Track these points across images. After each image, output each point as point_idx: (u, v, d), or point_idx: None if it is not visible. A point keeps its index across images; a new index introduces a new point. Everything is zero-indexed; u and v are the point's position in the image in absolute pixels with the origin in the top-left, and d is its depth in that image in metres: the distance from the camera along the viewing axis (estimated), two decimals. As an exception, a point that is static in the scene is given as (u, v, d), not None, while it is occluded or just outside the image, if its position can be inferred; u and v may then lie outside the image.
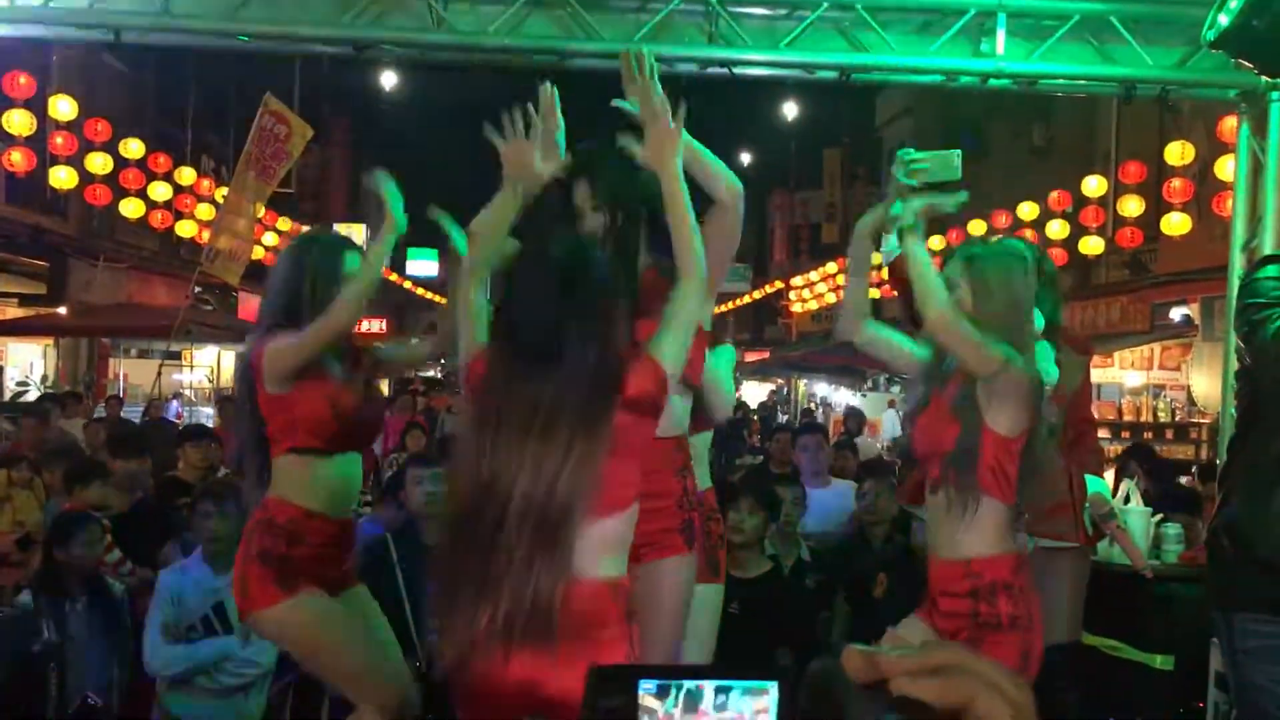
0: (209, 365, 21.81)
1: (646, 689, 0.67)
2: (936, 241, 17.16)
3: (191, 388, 20.18)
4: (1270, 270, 3.05)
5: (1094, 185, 12.86)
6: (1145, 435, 14.05)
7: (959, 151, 3.77)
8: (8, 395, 16.42)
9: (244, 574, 3.01)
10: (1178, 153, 10.27)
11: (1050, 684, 3.66)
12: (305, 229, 19.55)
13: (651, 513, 2.82)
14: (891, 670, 0.64)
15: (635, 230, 2.98)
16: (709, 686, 0.67)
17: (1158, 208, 11.63)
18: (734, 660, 3.54)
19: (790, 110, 26.08)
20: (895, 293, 4.18)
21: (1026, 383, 2.90)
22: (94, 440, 8.79)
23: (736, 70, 5.51)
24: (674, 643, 2.95)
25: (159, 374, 13.45)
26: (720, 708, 0.67)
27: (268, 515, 3.05)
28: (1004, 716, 0.63)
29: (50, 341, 17.91)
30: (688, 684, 0.68)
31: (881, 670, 0.65)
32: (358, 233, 25.08)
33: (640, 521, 2.77)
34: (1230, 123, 8.57)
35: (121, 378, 19.18)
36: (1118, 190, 12.60)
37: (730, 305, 33.62)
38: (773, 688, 0.68)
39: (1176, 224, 10.68)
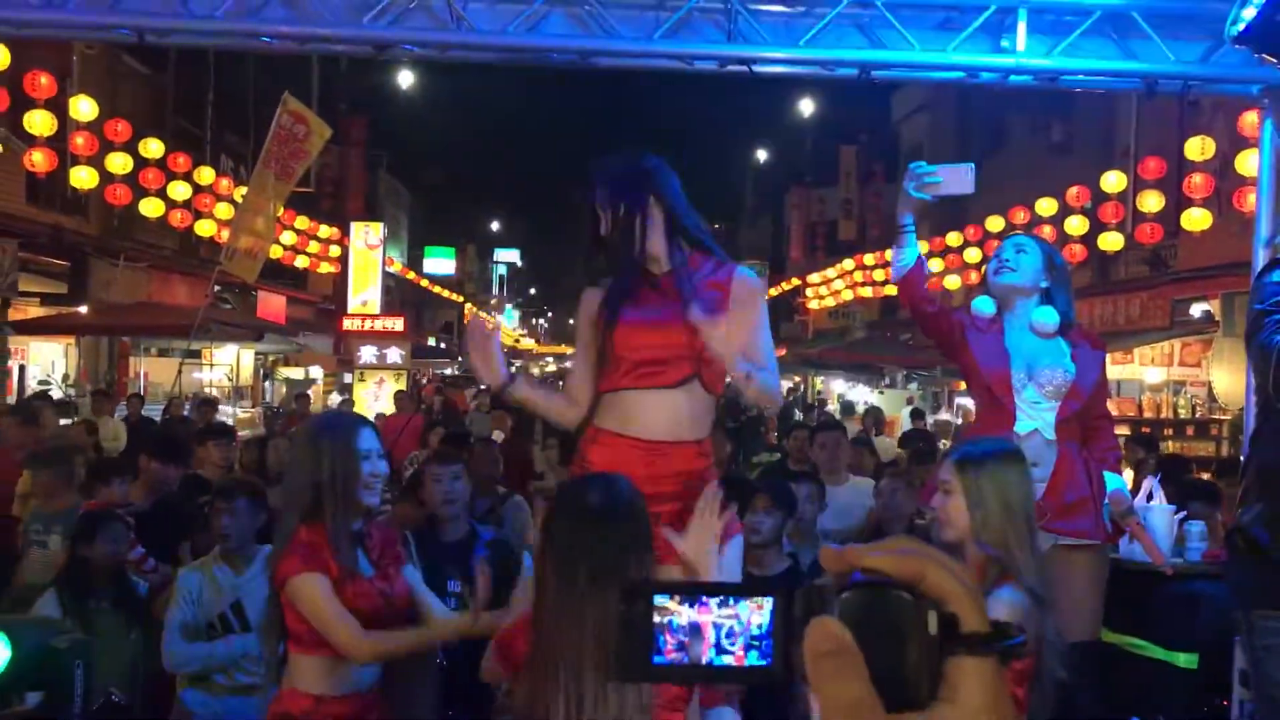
0: (229, 364, 21.93)
1: (661, 599, 0.78)
2: (954, 238, 17.13)
3: (212, 386, 20.28)
4: (1276, 275, 3.03)
5: (1113, 181, 12.79)
6: (1165, 432, 14.00)
7: (972, 165, 3.76)
8: (28, 394, 16.56)
9: None
10: (1198, 148, 10.20)
11: (1070, 682, 3.65)
12: (322, 227, 19.66)
13: (677, 514, 2.91)
14: (858, 557, 0.75)
15: (639, 220, 3.02)
16: (715, 596, 0.78)
17: (1178, 203, 11.57)
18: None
19: (807, 107, 26.09)
20: (906, 306, 4.19)
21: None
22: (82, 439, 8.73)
23: (756, 68, 5.50)
24: None
25: (179, 373, 13.53)
26: (723, 604, 0.78)
27: (282, 708, 3.08)
28: (954, 585, 0.73)
29: (71, 340, 18.03)
30: (692, 593, 0.79)
31: (850, 559, 0.75)
32: (375, 231, 25.17)
33: (654, 525, 2.85)
34: (1251, 118, 8.51)
35: (142, 376, 19.29)
36: (1137, 185, 12.53)
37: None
38: (769, 600, 0.78)
39: (1197, 219, 10.61)
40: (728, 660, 0.77)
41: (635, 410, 3.00)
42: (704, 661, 0.77)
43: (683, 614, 0.77)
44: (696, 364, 3.00)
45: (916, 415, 15.63)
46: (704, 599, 0.78)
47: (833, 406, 21.94)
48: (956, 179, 3.80)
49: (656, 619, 0.77)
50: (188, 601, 4.21)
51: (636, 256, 3.03)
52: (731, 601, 0.78)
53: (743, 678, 0.79)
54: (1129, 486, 3.96)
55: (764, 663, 0.77)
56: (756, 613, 0.77)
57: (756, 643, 0.78)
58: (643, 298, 3.04)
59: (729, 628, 0.78)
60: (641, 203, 3.03)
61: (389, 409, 17.02)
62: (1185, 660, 3.60)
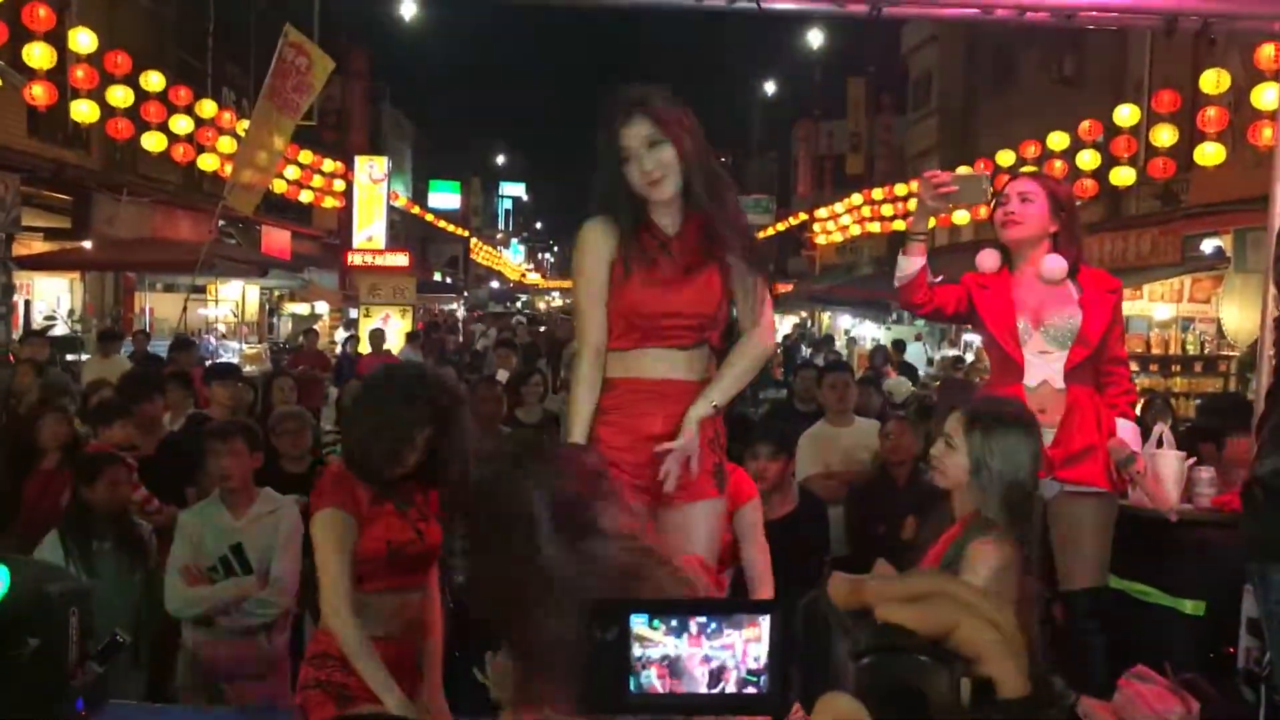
0: (234, 300, 21.89)
1: (638, 620, 0.68)
2: (964, 170, 16.92)
3: (218, 321, 20.26)
4: None
5: (1126, 114, 12.61)
6: (1173, 368, 13.96)
7: (987, 175, 3.69)
8: (35, 329, 16.57)
9: (304, 699, 3.05)
10: (1213, 81, 10.02)
11: (1077, 628, 3.65)
12: (325, 161, 19.51)
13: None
14: (875, 597, 0.65)
15: (699, 162, 2.93)
16: (701, 617, 0.68)
17: (1191, 137, 11.41)
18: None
19: (815, 39, 25.67)
20: (904, 308, 4.12)
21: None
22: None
23: (765, 5, 5.37)
24: (705, 587, 3.00)
25: (184, 308, 13.50)
26: (713, 634, 0.68)
27: (321, 649, 3.06)
28: (987, 639, 0.64)
29: (76, 276, 17.99)
30: (679, 616, 0.68)
31: (865, 597, 0.65)
32: (379, 165, 24.99)
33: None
34: (1268, 50, 8.36)
35: (148, 312, 19.28)
36: (1150, 119, 12.34)
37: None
38: (765, 618, 0.69)
39: (1210, 154, 10.47)
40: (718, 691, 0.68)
41: (647, 364, 2.99)
42: (688, 691, 0.68)
43: (666, 645, 0.69)
44: (706, 329, 2.98)
45: (884, 350, 15.61)
46: (690, 626, 0.67)
47: (841, 344, 21.92)
48: (971, 188, 3.71)
49: (636, 650, 0.68)
50: (188, 544, 4.20)
51: (712, 209, 2.95)
52: (722, 628, 0.68)
53: (735, 708, 0.69)
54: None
55: (761, 691, 0.69)
56: (753, 643, 0.68)
57: (754, 678, 0.69)
58: (658, 258, 2.96)
59: (720, 662, 0.68)
60: (701, 148, 2.94)
61: (397, 344, 17.00)
62: (1192, 607, 3.59)
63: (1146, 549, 3.68)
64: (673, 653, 0.68)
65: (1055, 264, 3.82)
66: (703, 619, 0.68)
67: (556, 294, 61.76)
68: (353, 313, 22.44)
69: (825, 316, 29.32)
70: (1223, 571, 3.51)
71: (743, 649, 0.68)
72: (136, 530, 4.57)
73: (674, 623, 0.68)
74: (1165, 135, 11.79)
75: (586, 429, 2.99)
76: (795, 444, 4.93)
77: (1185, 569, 3.63)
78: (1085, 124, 13.37)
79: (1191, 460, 3.86)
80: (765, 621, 0.68)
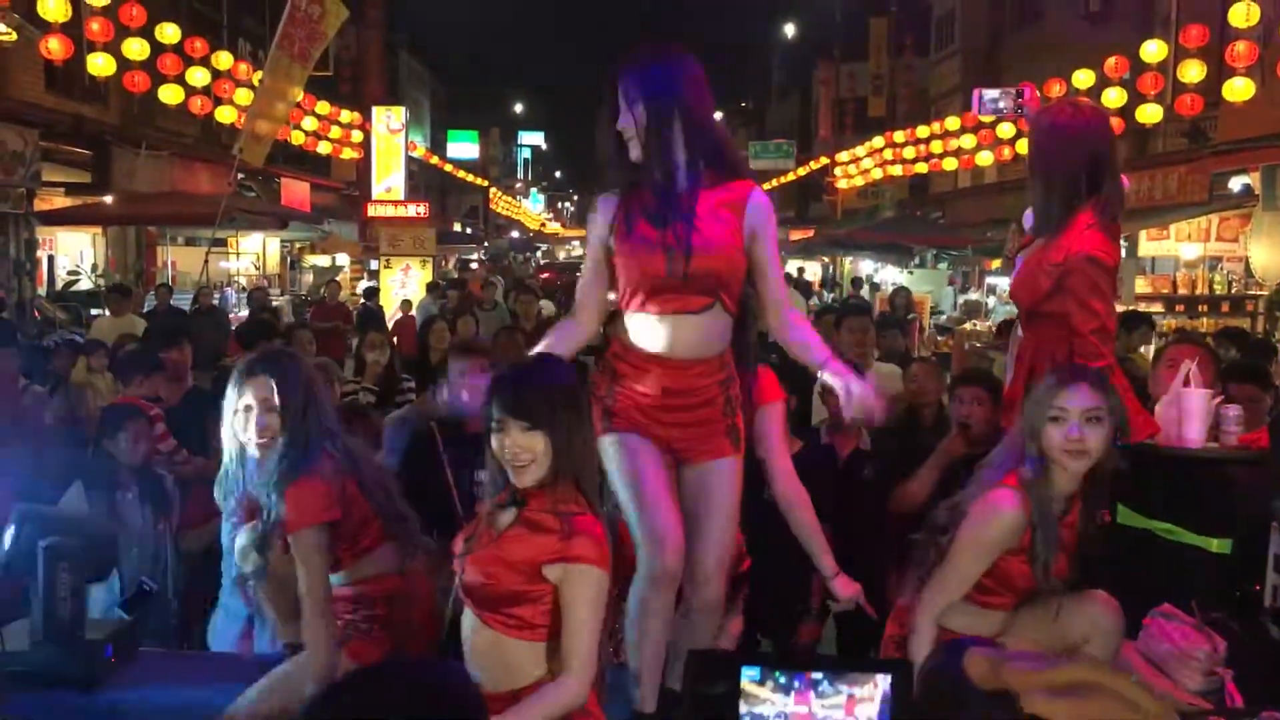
0: (255, 252, 21.93)
1: (750, 676, 0.63)
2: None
3: (240, 274, 20.32)
4: None
5: (1153, 50, 12.41)
6: (1200, 308, 13.82)
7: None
8: (59, 285, 16.66)
9: (348, 641, 3.09)
10: (1242, 14, 9.86)
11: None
12: (343, 112, 19.43)
13: (697, 424, 3.02)
14: (1021, 685, 0.58)
15: (668, 127, 2.93)
16: (815, 675, 0.64)
17: (1219, 73, 11.22)
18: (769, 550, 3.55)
19: (836, -22, 25.35)
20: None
21: None
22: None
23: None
24: (729, 541, 3.03)
25: (206, 261, 13.53)
26: (825, 694, 0.63)
27: (357, 592, 3.13)
28: None
29: (98, 231, 18.05)
30: (792, 671, 0.64)
31: (1009, 682, 0.58)
32: (396, 115, 24.87)
33: (687, 429, 3.01)
34: (1301, -19, 8.18)
35: (170, 265, 19.35)
36: (1178, 55, 12.15)
37: (775, 183, 33.17)
38: (884, 679, 0.63)
39: (1239, 89, 10.33)
40: None
41: (661, 334, 2.98)
42: None
43: (775, 704, 0.64)
44: (719, 291, 2.97)
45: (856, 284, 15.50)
46: (801, 682, 0.63)
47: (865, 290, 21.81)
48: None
49: (744, 708, 0.63)
50: (231, 484, 4.20)
51: (664, 175, 2.94)
52: (836, 685, 0.63)
53: None
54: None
55: None
56: (866, 703, 0.63)
57: None
58: (659, 219, 2.94)
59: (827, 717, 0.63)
60: (670, 109, 2.93)
61: (417, 295, 17.00)
62: (1219, 545, 3.56)
63: (1172, 487, 3.66)
64: (781, 709, 0.64)
65: (1027, 217, 3.78)
66: (816, 676, 0.64)
67: (576, 243, 61.64)
68: (374, 264, 22.46)
69: (847, 261, 29.15)
70: (1250, 509, 3.48)
71: (855, 710, 0.64)
72: (160, 481, 4.61)
73: (783, 679, 0.64)
74: (1193, 71, 11.61)
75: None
76: (807, 386, 4.86)
77: (1212, 507, 3.60)
78: (1111, 60, 13.17)
79: (1219, 398, 3.82)
80: (883, 681, 0.64)
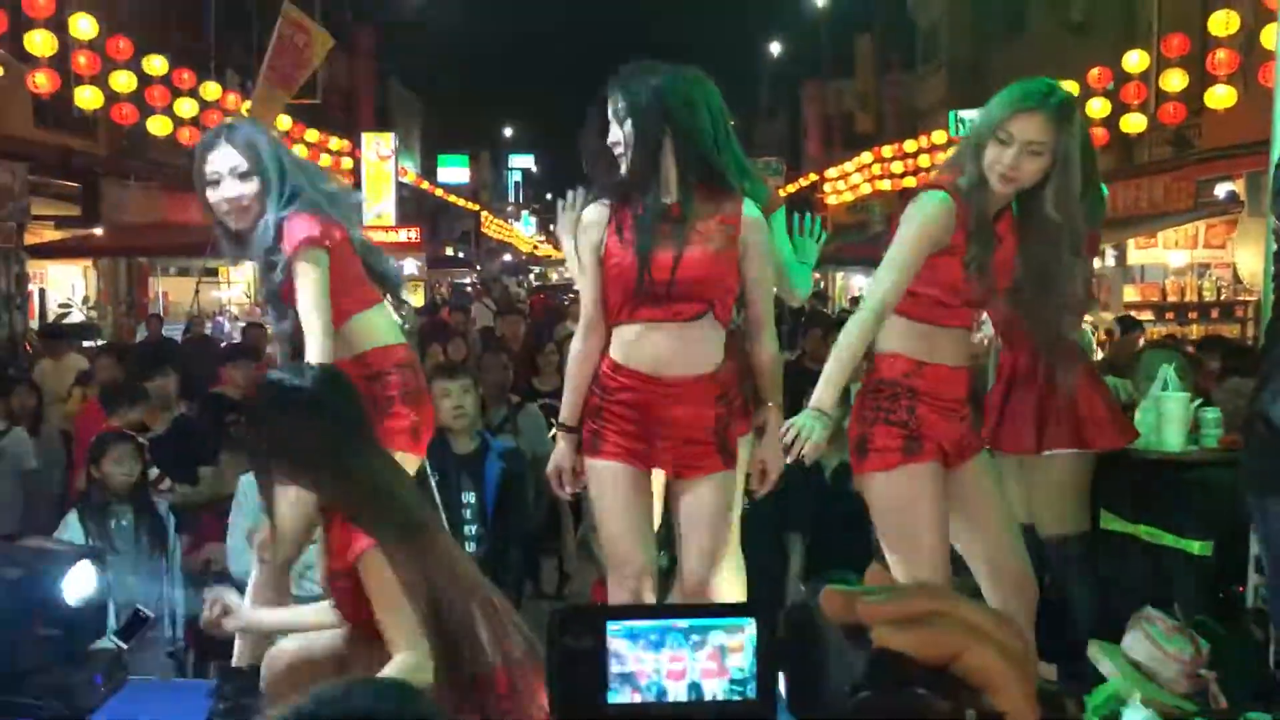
0: (246, 280, 21.92)
1: (614, 630, 0.65)
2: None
3: (231, 303, 20.31)
4: None
5: (1135, 60, 12.49)
6: (1190, 315, 13.85)
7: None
8: (50, 318, 16.64)
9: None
10: (1222, 22, 9.94)
11: (1062, 575, 3.66)
12: (332, 140, 19.49)
13: (689, 442, 3.04)
14: (871, 616, 0.60)
15: (654, 139, 2.96)
16: (680, 625, 0.65)
17: (1201, 81, 11.29)
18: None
19: (820, -4, 25.47)
20: None
21: None
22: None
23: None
24: (719, 547, 3.06)
25: (197, 291, 13.54)
26: (695, 646, 0.65)
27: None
28: (994, 666, 0.58)
29: (89, 263, 18.05)
30: (657, 624, 0.65)
31: (860, 615, 0.60)
32: (386, 142, 24.93)
33: (679, 448, 3.03)
34: (1277, -12, 8.26)
35: (161, 296, 19.34)
36: (1160, 64, 12.23)
37: (766, 200, 33.14)
38: (749, 624, 0.65)
39: (1221, 97, 10.39)
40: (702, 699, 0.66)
41: (652, 347, 2.99)
42: (671, 700, 0.65)
43: (645, 662, 0.65)
44: (709, 300, 2.99)
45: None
46: (669, 640, 0.64)
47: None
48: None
49: (614, 667, 0.64)
50: (251, 509, 4.20)
51: (655, 188, 2.97)
52: (704, 637, 0.65)
53: (718, 715, 0.66)
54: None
55: (747, 699, 0.65)
56: (735, 653, 0.64)
57: (738, 688, 0.65)
58: (650, 227, 2.97)
59: (703, 671, 0.65)
60: (659, 130, 2.96)
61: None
62: (1200, 548, 3.58)
63: (1153, 491, 3.68)
64: (652, 664, 0.65)
65: None
66: (684, 625, 0.65)
67: (567, 265, 61.62)
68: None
69: (839, 277, 29.16)
70: (1230, 511, 3.50)
71: (725, 660, 0.65)
72: (153, 507, 4.62)
73: (653, 636, 0.65)
74: (1175, 80, 11.68)
75: (576, 408, 3.09)
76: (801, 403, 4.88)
77: (1192, 510, 3.63)
78: (1095, 71, 13.25)
79: (1198, 401, 3.85)
80: (749, 626, 0.65)
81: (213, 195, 3.13)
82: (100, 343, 13.57)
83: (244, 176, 3.08)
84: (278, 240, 3.04)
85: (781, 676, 0.66)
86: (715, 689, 0.65)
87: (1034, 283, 2.92)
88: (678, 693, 0.65)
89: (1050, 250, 2.88)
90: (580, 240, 3.09)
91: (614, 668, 0.64)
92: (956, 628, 0.59)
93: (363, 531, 2.52)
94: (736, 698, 0.66)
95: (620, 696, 0.65)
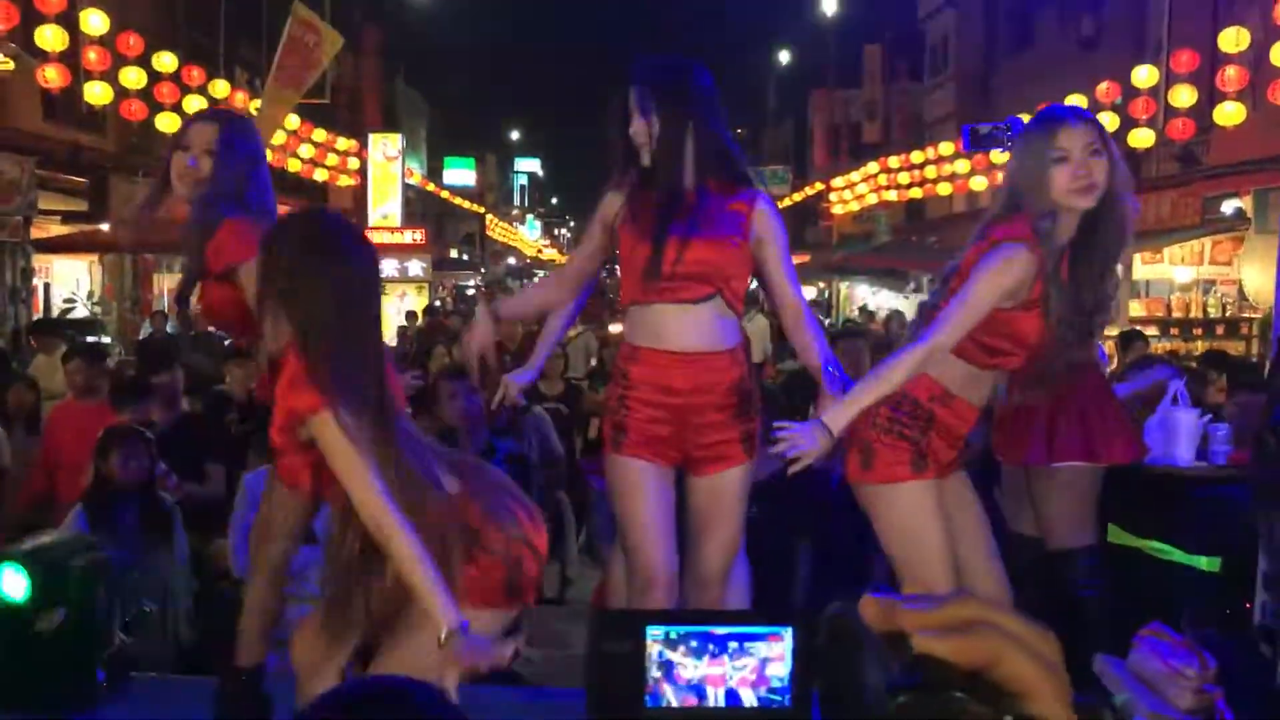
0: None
1: (655, 635, 0.65)
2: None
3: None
4: None
5: (1144, 75, 12.49)
6: (1195, 332, 13.85)
7: None
8: (55, 312, 16.65)
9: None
10: (1232, 39, 9.94)
11: (1072, 588, 3.65)
12: (339, 139, 19.51)
13: (709, 426, 3.03)
14: (911, 624, 0.61)
15: (680, 133, 3.01)
16: (719, 632, 0.65)
17: (1210, 97, 11.30)
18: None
19: (829, 6, 25.49)
20: None
21: None
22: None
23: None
24: (734, 545, 3.06)
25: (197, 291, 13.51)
26: (735, 654, 0.65)
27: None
28: (1031, 673, 0.60)
29: (95, 258, 18.06)
30: (698, 629, 0.65)
31: (900, 623, 0.61)
32: (393, 142, 24.97)
33: (699, 434, 3.01)
34: (1289, 6, 8.26)
35: (166, 293, 19.36)
36: (1169, 80, 12.23)
37: (771, 208, 33.14)
38: (788, 632, 0.65)
39: (1230, 113, 10.39)
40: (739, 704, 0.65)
41: (666, 325, 3.04)
42: (710, 705, 0.65)
43: (687, 667, 0.65)
44: (717, 284, 3.03)
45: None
46: (709, 647, 0.63)
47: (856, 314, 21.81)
48: None
49: (655, 674, 0.64)
50: (253, 505, 4.19)
51: (674, 181, 3.02)
52: (743, 645, 0.64)
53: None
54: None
55: (784, 707, 0.65)
56: (775, 663, 0.64)
57: (777, 697, 0.65)
58: (662, 214, 3.03)
59: (741, 678, 0.65)
60: (684, 119, 3.02)
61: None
62: (1208, 564, 3.58)
63: (1162, 506, 3.67)
64: (692, 670, 0.65)
65: None
66: (723, 632, 0.65)
67: (574, 269, 61.53)
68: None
69: (843, 286, 29.20)
70: (1238, 528, 3.49)
71: (764, 670, 0.65)
72: (161, 503, 4.62)
73: (693, 642, 0.65)
74: (1184, 95, 11.68)
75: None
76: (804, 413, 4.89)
77: (1201, 526, 3.62)
78: (1103, 85, 13.25)
79: (1206, 418, 3.84)
80: (788, 635, 0.66)
81: (179, 158, 3.18)
82: (104, 339, 13.61)
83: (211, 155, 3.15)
84: (208, 233, 3.08)
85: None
86: (752, 696, 0.65)
87: (1075, 308, 2.91)
88: (716, 699, 0.65)
89: (1096, 273, 2.88)
90: (595, 215, 3.20)
91: (653, 673, 0.64)
92: (995, 636, 0.60)
93: (315, 389, 2.37)
94: (774, 705, 0.65)
95: (660, 702, 0.65)
